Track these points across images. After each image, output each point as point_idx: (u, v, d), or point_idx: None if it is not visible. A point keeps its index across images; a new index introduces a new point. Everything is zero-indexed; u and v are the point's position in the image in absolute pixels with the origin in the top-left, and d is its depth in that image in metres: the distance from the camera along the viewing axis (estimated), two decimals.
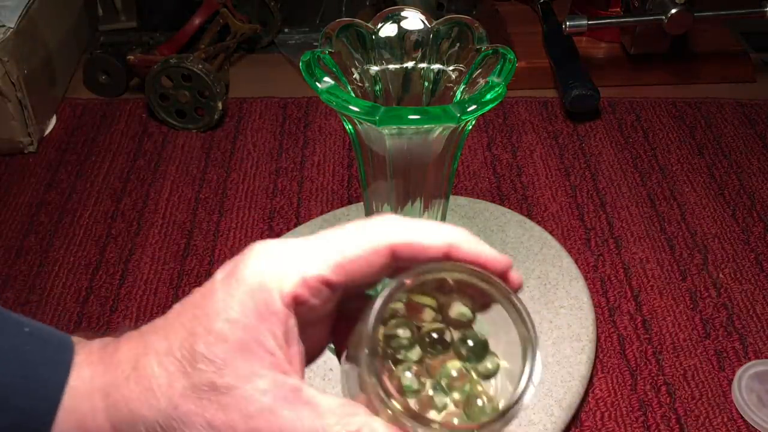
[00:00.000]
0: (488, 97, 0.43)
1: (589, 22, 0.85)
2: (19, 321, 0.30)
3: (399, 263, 0.29)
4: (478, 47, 0.48)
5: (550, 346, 0.59)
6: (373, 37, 0.50)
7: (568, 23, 0.85)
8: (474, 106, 0.43)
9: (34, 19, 0.84)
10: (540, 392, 0.56)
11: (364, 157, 0.50)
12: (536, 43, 0.96)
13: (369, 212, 0.53)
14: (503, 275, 0.29)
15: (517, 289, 0.30)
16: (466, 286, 0.30)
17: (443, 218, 0.54)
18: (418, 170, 0.49)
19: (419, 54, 0.50)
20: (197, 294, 0.29)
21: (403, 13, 0.50)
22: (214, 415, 0.27)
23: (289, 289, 0.27)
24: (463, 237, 0.29)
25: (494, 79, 0.45)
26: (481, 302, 0.30)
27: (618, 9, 0.94)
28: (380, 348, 0.28)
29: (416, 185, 0.50)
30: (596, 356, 0.61)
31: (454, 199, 0.73)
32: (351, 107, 0.43)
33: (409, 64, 0.50)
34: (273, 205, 0.76)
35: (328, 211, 0.74)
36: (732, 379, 0.59)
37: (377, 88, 0.50)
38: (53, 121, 0.87)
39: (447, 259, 0.29)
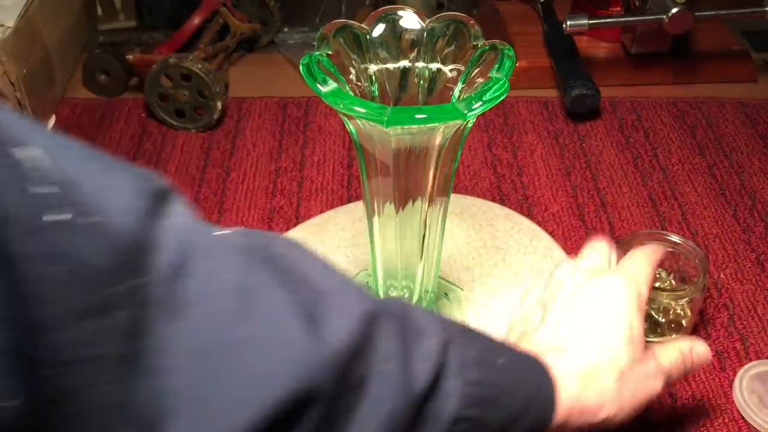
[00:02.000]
0: (494, 93, 0.43)
1: (590, 22, 0.85)
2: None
3: None
4: (474, 44, 0.48)
5: None
6: (368, 37, 0.49)
7: (568, 23, 0.85)
8: (480, 103, 0.43)
9: (33, 19, 0.84)
10: None
11: (365, 157, 0.49)
12: (537, 42, 0.95)
13: (369, 212, 0.53)
14: None
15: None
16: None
17: (444, 218, 0.54)
18: (418, 170, 0.48)
19: (415, 53, 0.50)
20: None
21: (399, 12, 0.50)
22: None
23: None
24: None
25: (495, 74, 0.45)
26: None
27: (619, 8, 0.94)
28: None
29: (417, 185, 0.50)
30: None
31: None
32: (358, 109, 0.43)
33: (406, 64, 0.50)
34: (273, 204, 0.75)
35: (328, 210, 0.73)
36: (733, 380, 0.58)
37: (374, 88, 0.50)
38: (52, 120, 0.87)
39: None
